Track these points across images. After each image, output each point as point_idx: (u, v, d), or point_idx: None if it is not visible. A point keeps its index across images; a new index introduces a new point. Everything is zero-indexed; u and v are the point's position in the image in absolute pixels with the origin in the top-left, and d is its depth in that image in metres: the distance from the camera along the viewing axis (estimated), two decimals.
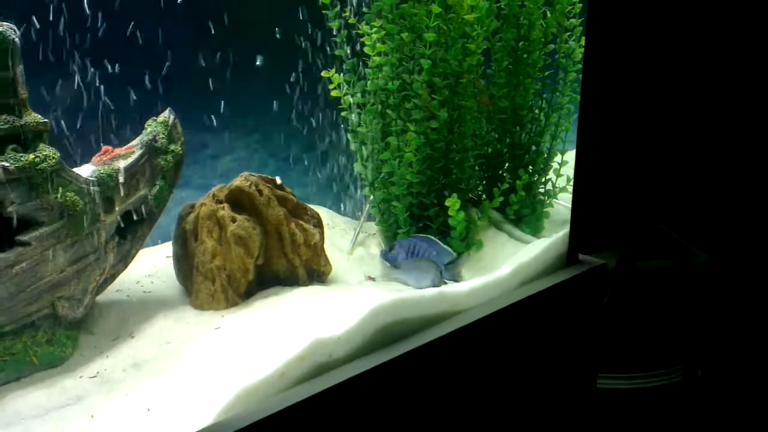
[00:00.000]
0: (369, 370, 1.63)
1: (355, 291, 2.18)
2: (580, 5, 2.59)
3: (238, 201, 2.17)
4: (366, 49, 2.41)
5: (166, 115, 2.14)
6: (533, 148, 2.72)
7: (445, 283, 2.21)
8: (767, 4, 2.38)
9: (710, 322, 2.81)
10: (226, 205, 2.14)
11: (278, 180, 2.27)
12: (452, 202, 2.35)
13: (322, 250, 2.30)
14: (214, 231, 2.12)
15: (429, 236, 2.38)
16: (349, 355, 1.68)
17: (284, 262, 2.22)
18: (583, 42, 2.43)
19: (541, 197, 2.76)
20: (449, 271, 2.29)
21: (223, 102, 2.41)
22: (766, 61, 2.47)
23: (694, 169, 2.70)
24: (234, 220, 2.11)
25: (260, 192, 2.17)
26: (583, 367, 2.36)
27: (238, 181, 2.17)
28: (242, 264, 2.11)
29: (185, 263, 2.19)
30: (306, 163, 2.88)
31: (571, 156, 2.34)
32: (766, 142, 2.55)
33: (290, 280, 2.24)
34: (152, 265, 2.39)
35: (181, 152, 2.15)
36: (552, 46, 2.64)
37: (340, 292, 2.17)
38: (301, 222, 2.24)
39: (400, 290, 2.16)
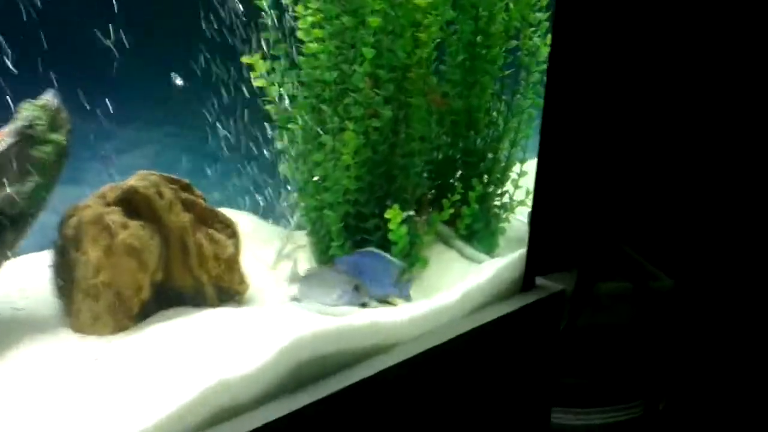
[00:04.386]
0: (282, 417, 1.42)
1: (273, 315, 1.90)
2: None
3: (133, 204, 1.88)
4: (300, 34, 2.19)
5: (48, 97, 1.84)
6: (489, 155, 2.57)
7: (365, 304, 2.03)
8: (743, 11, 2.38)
9: (673, 351, 2.78)
10: (116, 208, 1.84)
11: None
12: (394, 214, 2.13)
13: (237, 264, 2.04)
14: (101, 239, 1.80)
15: (373, 249, 2.17)
16: (257, 398, 1.47)
17: (189, 279, 1.93)
18: (549, 39, 2.24)
19: (497, 211, 2.60)
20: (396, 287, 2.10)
21: (128, 88, 2.11)
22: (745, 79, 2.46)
23: (662, 188, 2.68)
24: (126, 227, 1.81)
25: (161, 194, 1.87)
26: (536, 401, 2.25)
27: (133, 180, 1.88)
28: (134, 280, 1.81)
29: (66, 277, 1.87)
30: (226, 161, 2.60)
31: (531, 166, 2.22)
32: (738, 165, 2.54)
33: (196, 300, 1.96)
34: (27, 277, 2.05)
35: (65, 143, 1.85)
36: (514, 42, 2.49)
37: (255, 315, 1.89)
38: (210, 231, 1.97)
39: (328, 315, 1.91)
